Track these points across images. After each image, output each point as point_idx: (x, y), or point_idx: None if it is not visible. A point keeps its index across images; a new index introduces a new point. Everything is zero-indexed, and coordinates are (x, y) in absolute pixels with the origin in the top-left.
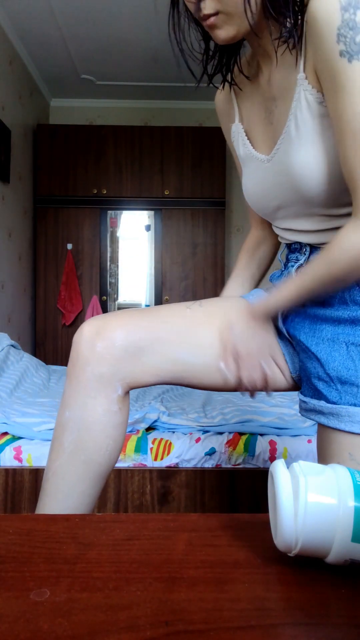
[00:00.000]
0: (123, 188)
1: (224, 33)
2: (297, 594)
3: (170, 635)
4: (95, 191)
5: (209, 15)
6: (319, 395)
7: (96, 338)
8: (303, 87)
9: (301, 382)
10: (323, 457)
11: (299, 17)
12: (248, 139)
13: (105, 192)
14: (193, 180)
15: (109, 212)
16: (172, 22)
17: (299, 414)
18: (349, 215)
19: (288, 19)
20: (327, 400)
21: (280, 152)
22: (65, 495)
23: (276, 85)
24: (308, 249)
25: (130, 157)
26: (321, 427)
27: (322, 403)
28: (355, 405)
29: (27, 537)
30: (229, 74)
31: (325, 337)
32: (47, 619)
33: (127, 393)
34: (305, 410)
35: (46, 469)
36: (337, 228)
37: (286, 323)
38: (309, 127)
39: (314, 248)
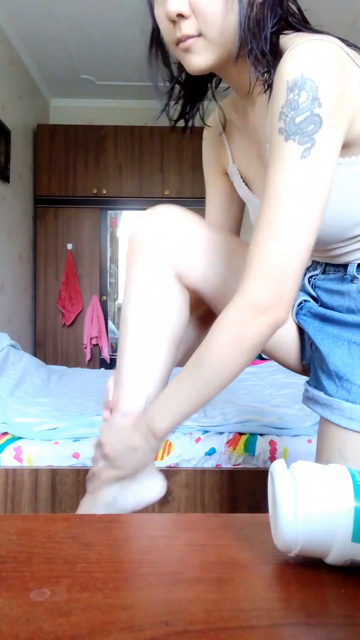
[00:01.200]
0: (123, 188)
1: (200, 60)
2: (297, 594)
3: (170, 635)
4: (95, 191)
5: (188, 37)
6: (320, 386)
7: (153, 219)
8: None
9: (309, 371)
10: (318, 452)
11: (273, 66)
12: (243, 180)
13: (105, 192)
14: (193, 180)
15: (109, 212)
16: (153, 60)
17: (299, 415)
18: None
19: (262, 65)
20: (325, 392)
21: None
22: (144, 366)
23: (260, 129)
24: (324, 264)
25: (130, 157)
26: (321, 422)
27: (321, 394)
28: (347, 400)
29: (27, 537)
30: (191, 121)
31: (330, 333)
32: (47, 619)
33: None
34: (306, 399)
35: (119, 349)
36: (341, 253)
37: (298, 315)
38: None
39: (329, 264)
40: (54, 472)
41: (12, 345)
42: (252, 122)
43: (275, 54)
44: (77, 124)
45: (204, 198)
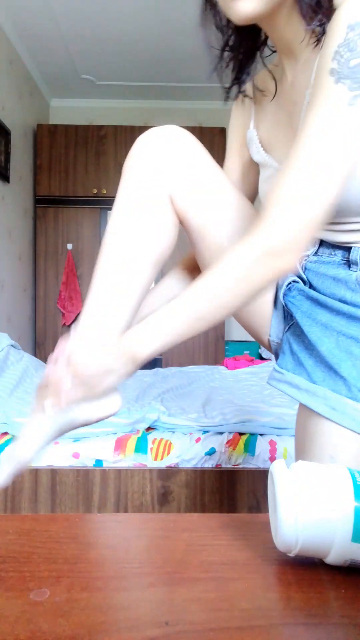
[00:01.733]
0: None
1: (250, 5)
2: (297, 594)
3: (170, 635)
4: (95, 191)
5: None
6: (301, 371)
7: (161, 135)
8: None
9: (279, 352)
10: (302, 454)
11: (325, 16)
12: (263, 146)
13: (105, 192)
14: None
15: (109, 212)
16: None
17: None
18: None
19: (317, 16)
20: (309, 378)
21: None
22: (124, 283)
23: (298, 88)
24: (318, 241)
25: None
26: (301, 420)
27: (302, 379)
28: (333, 390)
29: (27, 537)
30: (242, 85)
31: (320, 320)
32: (47, 619)
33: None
34: (278, 381)
35: (99, 260)
36: (352, 229)
37: (286, 296)
38: None
39: (324, 241)
40: (54, 472)
41: (12, 345)
42: (292, 80)
43: (329, 6)
44: (77, 124)
45: None
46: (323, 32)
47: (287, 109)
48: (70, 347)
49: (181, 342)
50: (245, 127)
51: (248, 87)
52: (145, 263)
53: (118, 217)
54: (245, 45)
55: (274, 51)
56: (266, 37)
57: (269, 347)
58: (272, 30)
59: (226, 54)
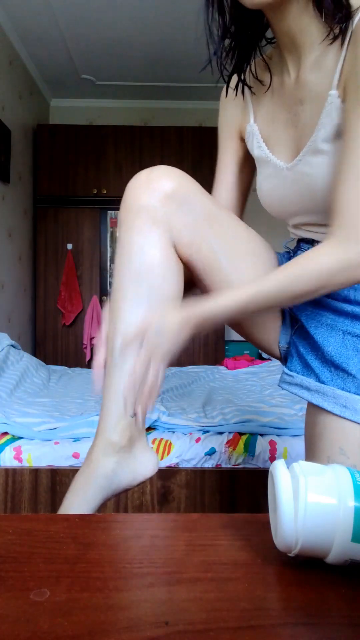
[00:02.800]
0: (123, 188)
1: None
2: (297, 594)
3: (170, 635)
4: (95, 191)
5: None
6: (309, 372)
7: (153, 179)
8: (335, 105)
9: (288, 356)
10: (312, 452)
11: (345, 14)
12: (264, 141)
13: (105, 192)
14: None
15: (109, 212)
16: (209, 11)
17: (299, 415)
18: None
19: (337, 14)
20: (317, 379)
21: (302, 163)
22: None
23: (307, 87)
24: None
25: (130, 157)
26: (309, 416)
27: (311, 380)
28: (343, 389)
29: (27, 537)
30: (243, 74)
31: (324, 322)
32: (47, 619)
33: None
34: (289, 384)
35: (110, 317)
36: None
37: None
38: (337, 145)
39: None
40: (54, 472)
41: (12, 345)
42: (297, 77)
43: (348, 6)
44: (77, 124)
45: None
46: (342, 32)
47: (291, 106)
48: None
49: (233, 312)
50: (239, 121)
51: (247, 77)
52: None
53: (129, 269)
54: (245, 34)
55: (269, 42)
56: (265, 28)
57: (279, 356)
58: (280, 22)
59: (226, 42)
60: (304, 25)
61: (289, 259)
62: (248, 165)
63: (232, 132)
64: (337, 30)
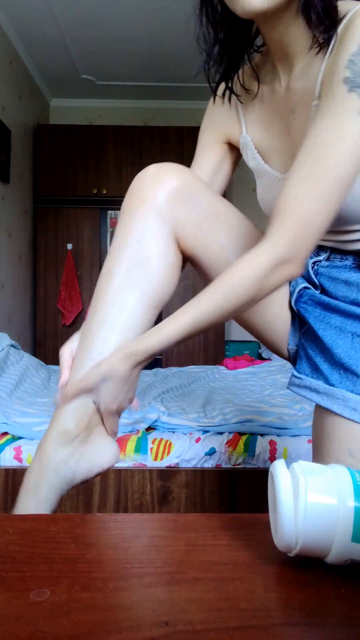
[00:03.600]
0: (123, 188)
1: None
2: (297, 594)
3: (170, 635)
4: (95, 191)
5: None
6: (318, 375)
7: (161, 173)
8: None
9: (297, 357)
10: (320, 453)
11: (331, 24)
12: (258, 151)
13: (105, 192)
14: None
15: (109, 212)
16: (203, 19)
17: (299, 415)
18: None
19: (323, 23)
20: (327, 381)
21: None
22: (120, 324)
23: (296, 95)
24: (329, 250)
25: (130, 157)
26: (317, 418)
27: (320, 383)
28: (352, 391)
29: (27, 537)
30: (230, 82)
31: (333, 324)
32: (47, 619)
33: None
34: (298, 386)
35: (93, 302)
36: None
37: (298, 303)
38: None
39: (335, 250)
40: None
41: (12, 345)
42: (287, 86)
43: (335, 15)
44: (77, 124)
45: None
46: (327, 40)
47: (284, 115)
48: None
49: (179, 340)
50: (226, 130)
51: (236, 84)
52: (146, 309)
53: (124, 256)
54: (235, 42)
55: (256, 51)
56: (255, 36)
57: (288, 357)
58: (271, 31)
59: (216, 51)
60: (295, 35)
61: None
62: (223, 171)
63: (216, 136)
64: (321, 40)
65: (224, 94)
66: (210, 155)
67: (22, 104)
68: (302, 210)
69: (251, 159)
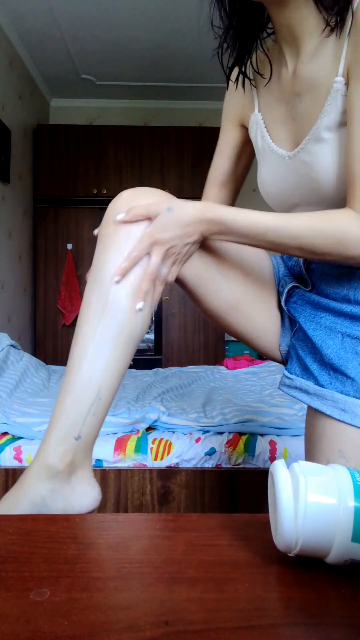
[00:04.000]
0: (123, 188)
1: None
2: (297, 594)
3: (170, 635)
4: (95, 191)
5: None
6: (308, 375)
7: (133, 198)
8: (341, 92)
9: (288, 358)
10: (312, 453)
11: (344, 4)
12: (267, 131)
13: (105, 192)
14: (193, 180)
15: None
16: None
17: (299, 415)
18: None
19: (336, 5)
20: (316, 382)
21: (304, 152)
22: (95, 356)
23: (304, 80)
24: None
25: (130, 157)
26: (309, 419)
27: (310, 383)
28: (341, 392)
29: (27, 537)
30: (244, 66)
31: (323, 324)
32: (47, 619)
33: None
34: (288, 387)
35: (75, 334)
36: None
37: (288, 303)
38: (342, 134)
39: None
40: None
41: (12, 345)
42: (294, 70)
43: None
44: (77, 124)
45: None
46: (340, 22)
47: (288, 100)
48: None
49: (250, 241)
50: (241, 110)
51: (248, 69)
52: (124, 344)
53: (92, 295)
54: (247, 26)
55: (268, 35)
56: (267, 21)
57: (280, 359)
58: (280, 13)
59: (230, 35)
60: (303, 17)
61: (291, 257)
62: (245, 156)
63: (234, 120)
64: (332, 22)
65: (237, 79)
66: (229, 140)
67: (22, 104)
68: None
69: (260, 137)
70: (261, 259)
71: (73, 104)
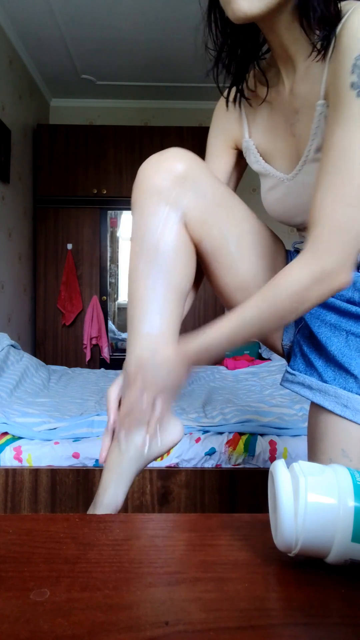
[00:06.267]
0: (123, 188)
1: (246, 5)
2: (297, 594)
3: (170, 635)
4: (95, 191)
5: None
6: (312, 371)
7: (162, 161)
8: (324, 114)
9: (291, 354)
10: (314, 452)
11: (330, 28)
12: (261, 155)
13: (105, 192)
14: None
15: (109, 212)
16: (210, 25)
17: (299, 414)
18: None
19: (317, 29)
20: (320, 378)
21: (302, 173)
22: (156, 314)
23: (300, 97)
24: None
25: (130, 157)
26: (312, 418)
27: (313, 379)
28: (344, 389)
29: (27, 537)
30: (240, 86)
31: (328, 321)
32: (47, 619)
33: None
34: (291, 382)
35: (129, 299)
36: None
37: None
38: None
39: None
40: (54, 472)
41: (12, 345)
42: (291, 88)
43: (332, 21)
44: (77, 124)
45: None
46: (327, 43)
47: (288, 116)
48: (135, 369)
49: (218, 349)
50: (234, 133)
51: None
52: (175, 296)
53: (144, 251)
54: (242, 48)
55: (263, 55)
56: (263, 42)
57: (282, 353)
58: (272, 34)
59: (224, 56)
60: (295, 38)
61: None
62: (235, 176)
63: (223, 143)
64: (319, 46)
65: (234, 99)
66: (220, 164)
67: (22, 104)
68: (335, 219)
69: (254, 162)
70: (277, 247)
71: (73, 104)
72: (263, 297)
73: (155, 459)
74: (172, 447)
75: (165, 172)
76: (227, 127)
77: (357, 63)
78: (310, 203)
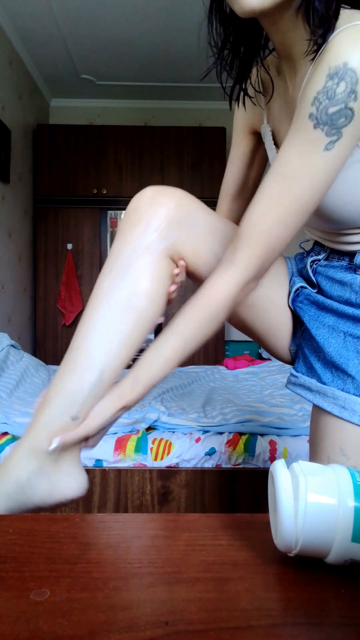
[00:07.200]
0: (123, 188)
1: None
2: (297, 594)
3: (170, 635)
4: (95, 191)
5: None
6: (312, 373)
7: (157, 196)
8: None
9: (296, 357)
10: (315, 451)
11: (324, 31)
12: (275, 143)
13: (105, 192)
14: (193, 180)
15: (109, 212)
16: (212, 22)
17: (299, 414)
18: None
19: (322, 29)
20: (319, 380)
21: None
22: (102, 333)
23: (297, 94)
24: (328, 250)
25: (130, 157)
26: (313, 418)
27: (313, 381)
28: (342, 390)
29: (27, 537)
30: (244, 84)
31: (326, 323)
32: (47, 619)
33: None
34: (293, 385)
35: (83, 317)
36: (355, 241)
37: (295, 302)
38: None
39: (334, 251)
40: None
41: (12, 345)
42: (294, 83)
43: (333, 20)
44: (77, 124)
45: (204, 198)
46: (320, 46)
47: (293, 107)
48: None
49: (167, 372)
50: (251, 119)
51: (249, 87)
52: (138, 333)
53: (117, 276)
54: (245, 45)
55: (270, 52)
56: (267, 40)
57: (289, 360)
58: (275, 31)
59: (226, 53)
60: (297, 38)
61: (302, 260)
62: (257, 163)
63: (243, 128)
64: (314, 48)
65: (237, 98)
66: (239, 150)
67: (22, 104)
68: (269, 237)
69: (269, 149)
70: (279, 260)
71: (73, 104)
72: (200, 314)
73: (36, 509)
74: (63, 503)
75: (158, 206)
76: (246, 112)
77: (318, 97)
78: (245, 212)
